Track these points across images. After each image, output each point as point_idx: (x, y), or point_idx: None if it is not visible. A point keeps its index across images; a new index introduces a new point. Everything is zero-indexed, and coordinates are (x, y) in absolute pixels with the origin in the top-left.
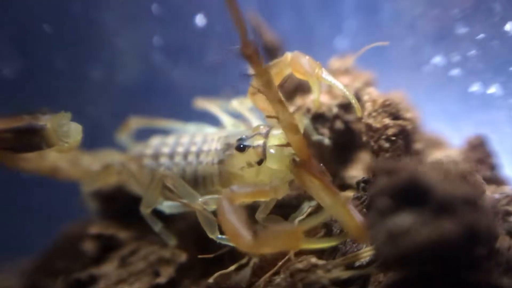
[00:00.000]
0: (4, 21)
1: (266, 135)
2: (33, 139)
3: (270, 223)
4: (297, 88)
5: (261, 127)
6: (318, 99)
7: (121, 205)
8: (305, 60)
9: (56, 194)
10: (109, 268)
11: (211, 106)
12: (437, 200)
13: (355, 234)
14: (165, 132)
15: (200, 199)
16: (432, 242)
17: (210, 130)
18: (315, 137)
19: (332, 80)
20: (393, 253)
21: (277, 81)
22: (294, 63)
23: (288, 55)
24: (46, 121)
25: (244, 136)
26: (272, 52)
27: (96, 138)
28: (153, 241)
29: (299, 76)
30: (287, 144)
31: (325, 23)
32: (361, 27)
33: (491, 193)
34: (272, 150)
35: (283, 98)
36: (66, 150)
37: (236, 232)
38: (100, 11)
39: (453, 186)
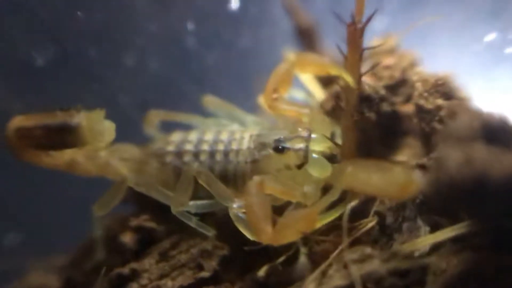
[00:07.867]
0: (37, 9)
1: (308, 139)
2: (66, 137)
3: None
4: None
5: (301, 129)
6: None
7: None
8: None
9: (91, 186)
10: (151, 262)
11: (221, 104)
12: None
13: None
14: (184, 126)
15: (235, 205)
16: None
17: (232, 127)
18: None
19: None
20: (466, 176)
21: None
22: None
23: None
24: (81, 119)
25: (281, 137)
26: (306, 35)
27: (127, 127)
28: (193, 233)
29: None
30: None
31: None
32: (401, 5)
33: None
34: (315, 155)
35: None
36: (98, 149)
37: (259, 226)
38: None
39: None
